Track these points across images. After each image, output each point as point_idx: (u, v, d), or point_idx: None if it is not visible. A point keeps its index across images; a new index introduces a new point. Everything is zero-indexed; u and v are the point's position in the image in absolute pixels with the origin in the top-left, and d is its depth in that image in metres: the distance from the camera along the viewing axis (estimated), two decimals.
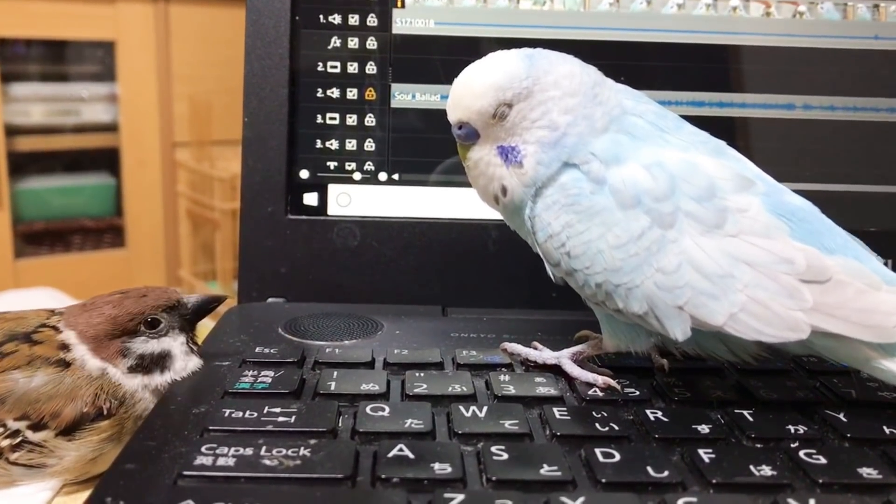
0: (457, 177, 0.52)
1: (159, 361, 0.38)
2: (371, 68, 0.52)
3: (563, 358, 0.40)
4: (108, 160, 1.80)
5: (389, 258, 0.52)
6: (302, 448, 0.31)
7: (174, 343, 0.39)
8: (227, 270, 1.68)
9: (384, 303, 0.51)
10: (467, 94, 0.37)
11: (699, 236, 0.35)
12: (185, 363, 0.39)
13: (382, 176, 0.52)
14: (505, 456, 0.31)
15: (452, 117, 0.38)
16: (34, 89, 1.74)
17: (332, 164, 0.52)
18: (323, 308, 0.49)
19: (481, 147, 0.38)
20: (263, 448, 0.31)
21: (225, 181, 1.64)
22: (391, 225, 0.52)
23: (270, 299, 0.51)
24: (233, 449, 0.30)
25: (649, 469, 0.30)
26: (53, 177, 1.79)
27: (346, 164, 0.52)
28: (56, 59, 1.80)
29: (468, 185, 0.52)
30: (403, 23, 0.52)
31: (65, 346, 0.37)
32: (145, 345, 0.38)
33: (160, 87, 1.76)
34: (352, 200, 0.52)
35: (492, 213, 0.51)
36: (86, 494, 0.36)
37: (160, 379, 0.38)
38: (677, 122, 0.39)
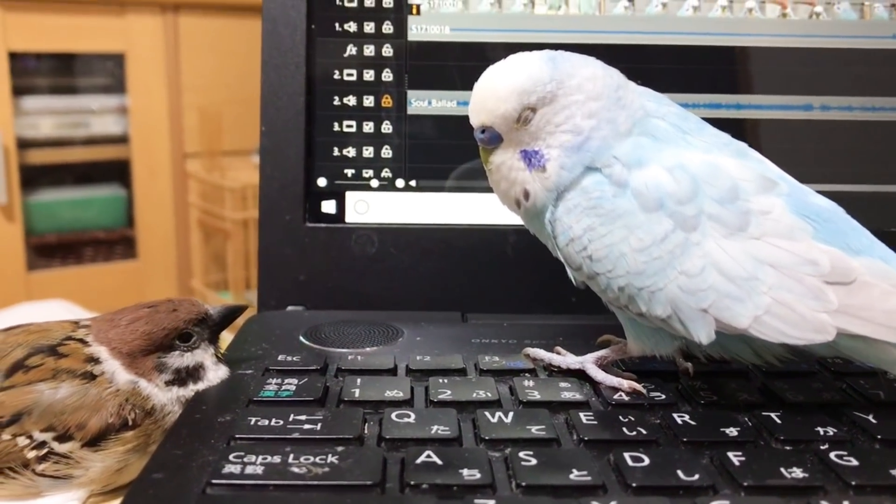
0: (474, 182, 0.52)
1: (193, 374, 0.39)
2: (387, 75, 0.52)
3: (587, 362, 0.39)
4: (119, 172, 1.81)
5: (408, 265, 0.52)
6: (329, 455, 0.31)
7: (205, 355, 0.40)
8: (239, 280, 1.68)
9: (403, 309, 0.51)
10: (490, 97, 0.37)
11: (723, 239, 0.35)
12: (215, 373, 0.40)
13: (400, 183, 0.52)
14: (533, 461, 0.31)
15: (475, 121, 0.38)
16: (45, 102, 1.75)
17: (349, 172, 0.52)
18: (343, 315, 0.49)
19: (504, 151, 0.38)
20: (291, 455, 0.31)
21: (236, 191, 1.64)
22: (409, 231, 0.52)
23: (290, 307, 0.51)
24: (260, 457, 0.30)
25: (679, 473, 0.30)
26: (65, 189, 1.79)
27: (364, 171, 0.52)
28: (66, 71, 1.81)
29: (486, 190, 0.52)
30: (419, 29, 0.52)
31: (93, 360, 0.37)
32: (180, 359, 0.39)
33: (170, 99, 1.77)
34: (370, 207, 0.52)
35: (510, 219, 0.51)
36: None
37: (194, 390, 0.39)
38: (699, 124, 0.38)
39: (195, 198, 1.79)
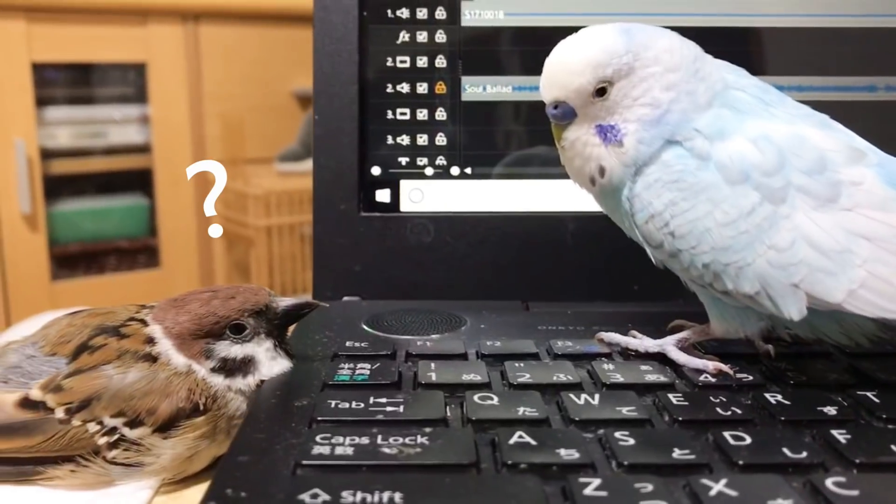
0: (531, 169, 0.51)
1: (242, 367, 0.37)
2: (441, 62, 0.51)
3: (668, 345, 0.38)
4: (141, 181, 1.80)
5: (464, 254, 0.51)
6: (419, 436, 0.30)
7: (259, 349, 0.37)
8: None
9: (461, 299, 0.49)
10: (564, 71, 0.36)
11: (813, 211, 0.34)
12: (269, 368, 0.37)
13: (455, 170, 0.51)
14: (631, 441, 0.29)
15: (548, 96, 0.37)
16: (67, 113, 1.75)
17: (403, 160, 0.51)
18: (401, 305, 0.48)
19: (578, 126, 0.37)
20: (379, 437, 0.29)
21: (259, 198, 1.63)
22: (465, 220, 0.51)
23: (345, 298, 0.50)
24: (348, 438, 0.29)
25: (786, 450, 0.29)
26: (88, 199, 1.79)
27: (418, 159, 0.51)
28: (88, 82, 1.82)
29: (543, 177, 0.51)
30: (472, 15, 0.51)
31: (151, 340, 0.36)
32: (229, 349, 0.37)
33: (192, 107, 1.77)
34: (424, 196, 0.51)
35: (569, 205, 0.51)
36: (184, 493, 0.35)
37: (243, 383, 0.37)
38: (780, 95, 0.37)
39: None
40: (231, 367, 0.37)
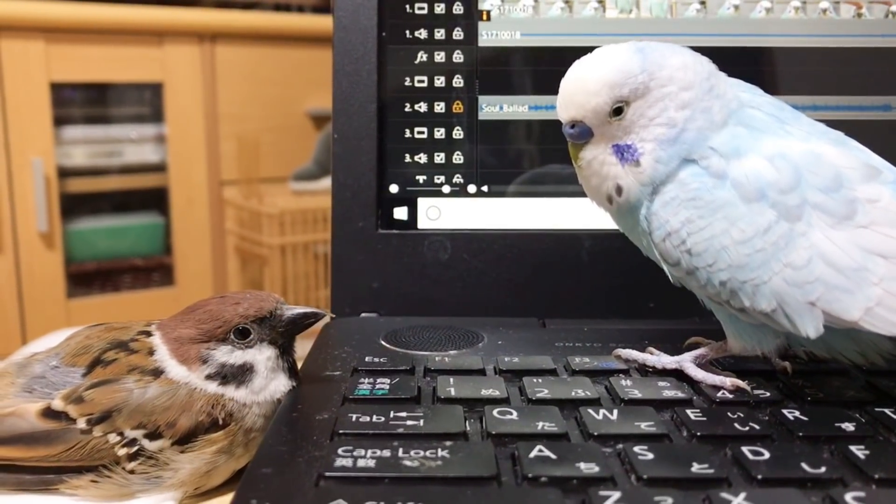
0: (547, 187, 0.51)
1: (238, 374, 0.37)
2: (458, 81, 0.52)
3: (685, 361, 0.38)
4: (156, 200, 1.82)
5: (481, 271, 0.51)
6: (439, 450, 0.30)
7: (259, 356, 0.37)
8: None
9: (477, 315, 0.50)
10: (580, 91, 0.36)
11: (829, 229, 0.34)
12: (266, 381, 0.37)
13: (472, 188, 0.52)
14: (650, 455, 0.30)
15: (564, 116, 0.37)
16: (84, 132, 1.77)
17: (421, 178, 0.52)
18: (418, 321, 0.49)
19: (595, 146, 0.37)
20: (400, 450, 0.30)
21: (273, 217, 1.64)
22: (482, 237, 0.51)
23: (363, 314, 0.50)
24: (370, 451, 0.30)
25: (804, 465, 0.29)
26: (104, 217, 1.81)
27: (435, 177, 0.52)
28: (105, 101, 1.84)
29: (558, 195, 0.52)
30: (489, 35, 0.52)
31: (153, 351, 0.37)
32: (229, 355, 0.37)
33: (207, 127, 1.78)
34: (441, 214, 0.52)
35: (585, 223, 0.51)
36: None
37: (235, 393, 0.36)
38: (794, 113, 0.38)
39: (232, 224, 1.79)
40: (227, 375, 0.37)
